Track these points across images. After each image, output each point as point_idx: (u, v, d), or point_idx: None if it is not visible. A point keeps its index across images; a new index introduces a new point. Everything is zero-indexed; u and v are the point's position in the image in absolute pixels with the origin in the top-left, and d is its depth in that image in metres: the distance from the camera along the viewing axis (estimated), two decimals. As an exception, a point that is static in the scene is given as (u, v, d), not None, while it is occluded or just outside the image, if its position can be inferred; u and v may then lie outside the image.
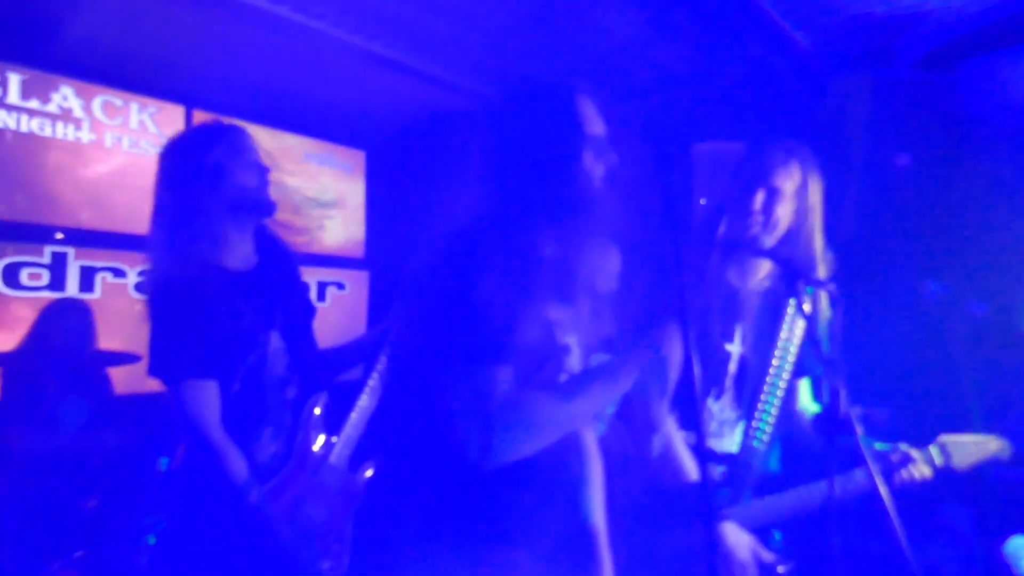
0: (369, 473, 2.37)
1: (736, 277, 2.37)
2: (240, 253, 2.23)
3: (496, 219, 1.78)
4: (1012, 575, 2.98)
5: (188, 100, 4.64)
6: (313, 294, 5.23)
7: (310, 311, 2.44)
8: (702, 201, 3.90)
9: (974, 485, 2.68)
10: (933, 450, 2.33)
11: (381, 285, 5.63)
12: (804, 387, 2.50)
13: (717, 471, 2.28)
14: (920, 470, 2.29)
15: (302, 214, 5.28)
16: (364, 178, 5.74)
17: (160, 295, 2.08)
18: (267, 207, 2.26)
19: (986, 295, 2.79)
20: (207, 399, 2.03)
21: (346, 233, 5.59)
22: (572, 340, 1.76)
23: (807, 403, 2.52)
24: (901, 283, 3.60)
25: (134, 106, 4.41)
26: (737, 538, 2.13)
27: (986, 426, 2.58)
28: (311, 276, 5.25)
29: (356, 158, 5.69)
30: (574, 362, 1.77)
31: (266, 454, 2.18)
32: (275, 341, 2.21)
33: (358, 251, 5.67)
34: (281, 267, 2.36)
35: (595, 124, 1.83)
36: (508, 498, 1.63)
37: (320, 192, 5.41)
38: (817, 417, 2.45)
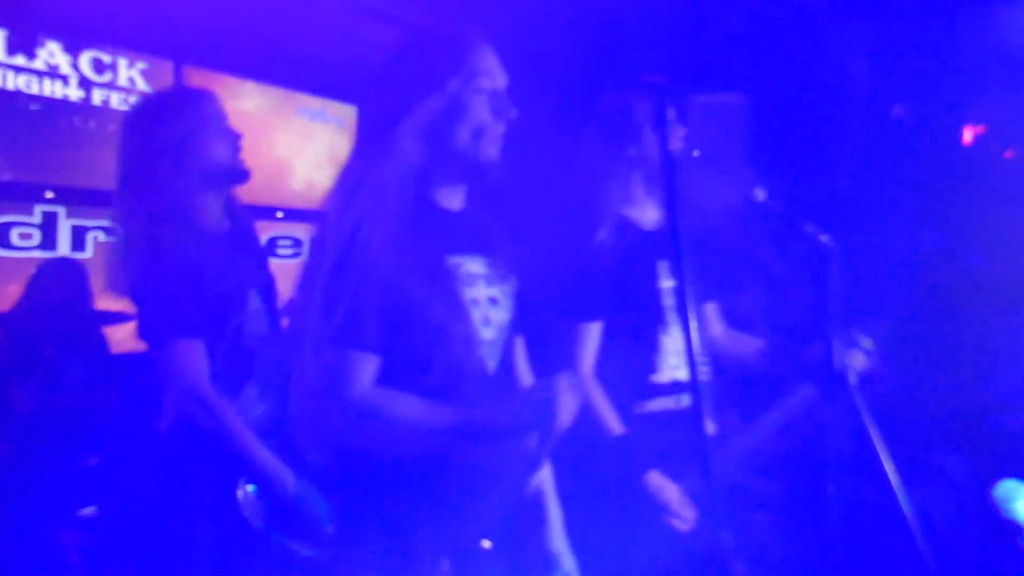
0: None
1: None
2: (214, 215, 2.24)
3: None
4: (1002, 518, 3.04)
5: (177, 56, 4.57)
6: (306, 251, 5.20)
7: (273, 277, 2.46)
8: (695, 153, 3.87)
9: (967, 432, 2.72)
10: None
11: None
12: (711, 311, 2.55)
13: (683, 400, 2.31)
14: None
15: (293, 170, 5.24)
16: (356, 134, 5.68)
17: (138, 258, 2.07)
18: (241, 174, 2.27)
19: (985, 246, 2.79)
20: (197, 358, 2.02)
21: (339, 189, 5.56)
22: (490, 327, 1.69)
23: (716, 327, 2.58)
24: (900, 233, 3.60)
25: (122, 62, 4.34)
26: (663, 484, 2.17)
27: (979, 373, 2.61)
28: (302, 232, 5.23)
29: (348, 113, 5.64)
30: (491, 352, 1.70)
31: (255, 413, 2.18)
32: (254, 301, 2.23)
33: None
34: (249, 229, 2.39)
35: (495, 77, 1.73)
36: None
37: (311, 148, 5.37)
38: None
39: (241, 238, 2.31)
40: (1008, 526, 2.96)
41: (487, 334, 1.68)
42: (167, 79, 4.51)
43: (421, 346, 1.58)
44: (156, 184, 2.12)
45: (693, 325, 1.42)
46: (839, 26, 3.75)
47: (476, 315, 1.67)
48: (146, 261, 2.05)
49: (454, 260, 1.68)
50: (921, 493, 3.17)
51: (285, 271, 2.11)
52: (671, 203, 1.29)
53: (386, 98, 1.69)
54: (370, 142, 1.69)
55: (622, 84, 2.11)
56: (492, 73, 1.71)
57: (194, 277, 2.04)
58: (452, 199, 1.75)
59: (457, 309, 1.62)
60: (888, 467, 2.78)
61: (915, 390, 3.14)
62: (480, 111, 1.66)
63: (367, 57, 4.85)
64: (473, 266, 1.71)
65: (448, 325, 1.59)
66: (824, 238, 2.52)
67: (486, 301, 1.70)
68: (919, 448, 3.14)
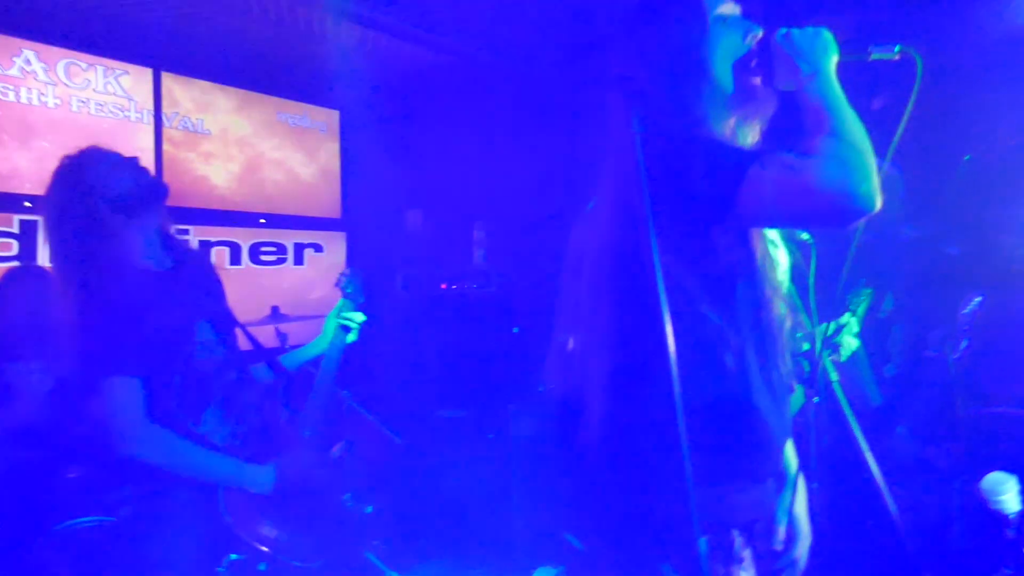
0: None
1: None
2: (149, 253, 2.26)
3: None
4: (988, 510, 3.03)
5: (156, 62, 4.55)
6: (290, 257, 5.19)
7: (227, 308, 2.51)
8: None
9: (952, 424, 2.72)
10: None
11: (359, 246, 5.60)
12: None
13: None
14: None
15: (276, 175, 5.21)
16: (339, 138, 5.67)
17: (69, 297, 2.11)
18: (153, 191, 2.29)
19: (963, 235, 2.81)
20: (131, 397, 2.04)
21: (322, 194, 5.54)
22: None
23: None
24: (878, 225, 3.61)
25: (100, 69, 4.32)
26: None
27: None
28: (289, 239, 5.21)
29: (330, 118, 5.62)
30: None
31: (221, 434, 2.23)
32: (205, 332, 2.27)
33: (335, 212, 5.62)
34: (197, 266, 2.43)
35: None
36: None
37: (294, 153, 5.34)
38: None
39: (187, 275, 2.34)
40: (995, 518, 2.95)
41: None
42: (146, 85, 4.48)
43: None
44: (77, 225, 2.15)
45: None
46: (817, 16, 3.75)
47: None
48: (77, 301, 2.08)
49: None
50: (905, 487, 3.19)
51: (268, 277, 2.13)
52: (641, 204, 1.28)
53: None
54: None
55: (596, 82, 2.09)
56: None
57: (128, 316, 2.07)
58: None
59: None
60: (872, 463, 2.78)
61: (896, 382, 3.14)
62: None
63: (349, 62, 4.89)
64: None
65: None
66: (804, 236, 2.54)
67: None
68: (904, 442, 3.14)
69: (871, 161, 1.39)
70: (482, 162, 5.14)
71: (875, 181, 1.37)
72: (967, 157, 3.44)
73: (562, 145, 4.63)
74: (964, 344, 3.06)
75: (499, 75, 4.91)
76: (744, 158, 1.41)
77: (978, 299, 3.08)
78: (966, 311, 3.09)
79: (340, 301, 2.81)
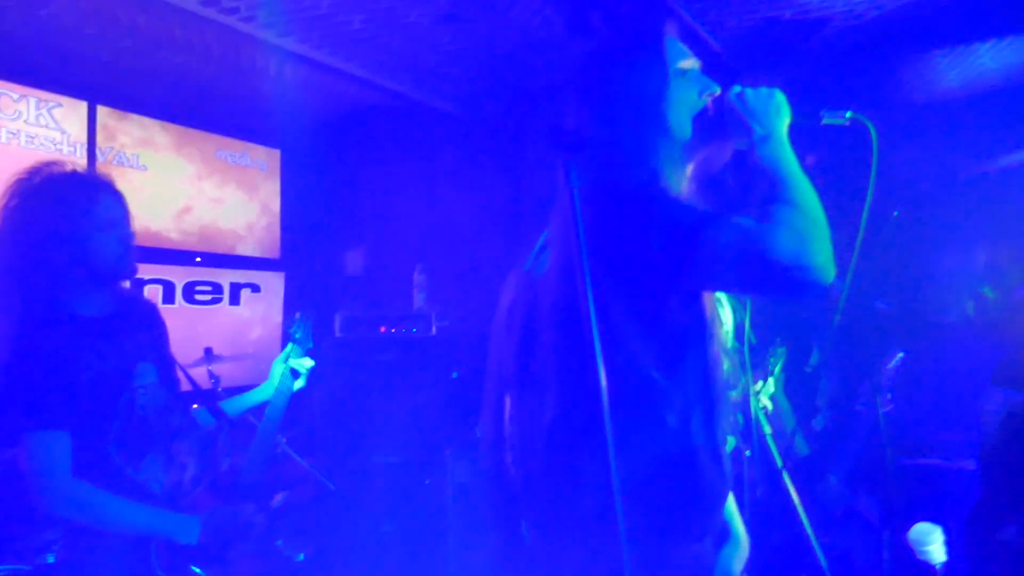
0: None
1: None
2: (95, 303, 2.19)
3: None
4: (917, 561, 3.08)
5: (91, 95, 4.46)
6: (226, 296, 5.09)
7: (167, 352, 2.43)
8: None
9: (880, 475, 2.77)
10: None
11: (297, 286, 5.53)
12: None
13: None
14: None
15: (214, 214, 5.13)
16: (279, 177, 5.62)
17: (5, 345, 2.01)
18: (128, 271, 2.23)
19: (888, 289, 2.89)
20: (55, 451, 1.95)
21: (261, 233, 5.47)
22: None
23: None
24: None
25: (32, 101, 4.22)
26: None
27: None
28: (225, 278, 5.11)
29: (271, 156, 5.57)
30: None
31: (162, 481, 2.18)
32: (147, 375, 2.20)
33: (273, 252, 5.54)
34: (139, 311, 2.35)
35: None
36: None
37: (233, 191, 5.27)
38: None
39: (127, 319, 2.25)
40: (922, 568, 3.00)
41: None
42: (81, 119, 4.39)
43: None
44: (39, 275, 2.06)
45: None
46: (751, 75, 3.88)
47: None
48: (10, 349, 1.99)
49: None
50: (835, 537, 3.23)
51: (203, 317, 2.08)
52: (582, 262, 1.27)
53: None
54: None
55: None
56: None
57: (55, 368, 1.99)
58: None
59: None
60: (802, 513, 2.81)
61: (825, 435, 3.20)
62: None
63: (290, 101, 4.86)
64: None
65: None
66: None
67: None
68: (834, 492, 3.19)
69: (826, 232, 1.39)
70: (424, 205, 5.15)
71: (830, 252, 1.37)
72: (896, 213, 3.55)
73: (506, 191, 4.66)
74: (889, 397, 3.13)
75: (444, 118, 4.94)
76: (699, 221, 1.39)
77: (900, 354, 3.17)
78: (890, 366, 3.17)
79: (289, 346, 2.74)
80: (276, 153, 5.59)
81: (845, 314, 2.89)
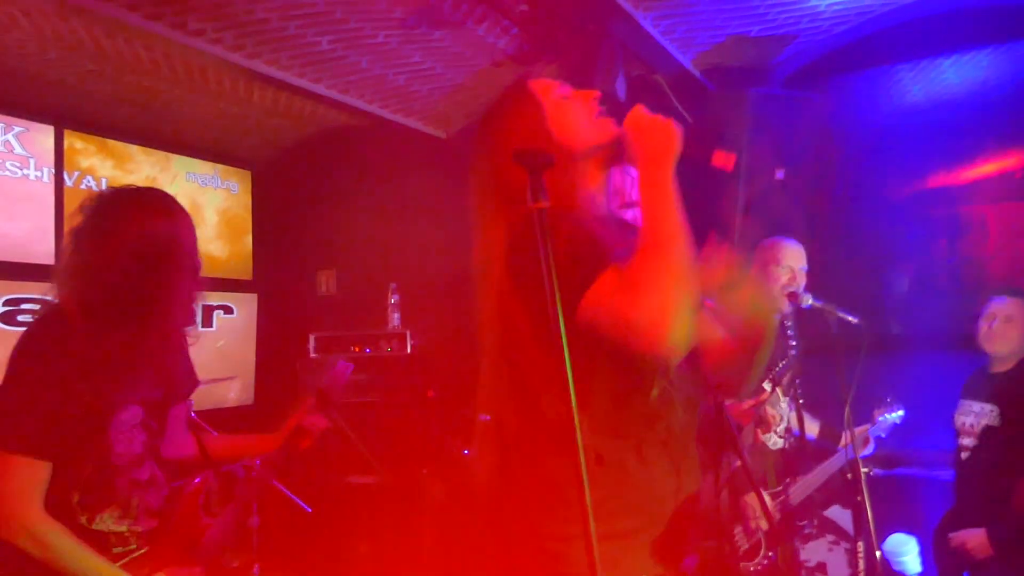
0: None
1: None
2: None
3: None
4: (892, 571, 3.10)
5: (58, 119, 4.42)
6: (199, 318, 5.03)
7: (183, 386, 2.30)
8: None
9: (853, 487, 2.78)
10: None
11: (270, 307, 5.48)
12: None
13: None
14: None
15: (185, 236, 5.09)
16: (251, 198, 5.59)
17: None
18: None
19: (854, 301, 2.92)
20: (38, 478, 1.87)
21: (233, 255, 5.42)
22: None
23: None
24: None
25: (-2, 125, 4.17)
26: None
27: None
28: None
29: (242, 177, 5.54)
30: None
31: (115, 531, 2.01)
32: (131, 417, 2.04)
33: (246, 273, 5.50)
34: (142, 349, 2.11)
35: None
36: None
37: (204, 213, 5.23)
38: None
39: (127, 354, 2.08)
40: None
41: None
42: (47, 143, 4.35)
43: None
44: (163, 288, 1.96)
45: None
46: (719, 91, 3.92)
47: None
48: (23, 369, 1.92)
49: None
50: (811, 547, 3.24)
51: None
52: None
53: None
54: None
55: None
56: None
57: (66, 397, 1.91)
58: None
59: None
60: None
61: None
62: None
63: (259, 122, 4.85)
64: None
65: None
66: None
67: None
68: (809, 502, 3.20)
69: (689, 301, 1.29)
70: (397, 223, 5.13)
71: (688, 329, 1.26)
72: None
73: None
74: (872, 446, 3.16)
75: (415, 136, 4.94)
76: (600, 261, 1.33)
77: (901, 412, 3.21)
78: (889, 416, 3.20)
79: (307, 399, 2.52)
80: (247, 174, 5.56)
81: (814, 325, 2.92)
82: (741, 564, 2.84)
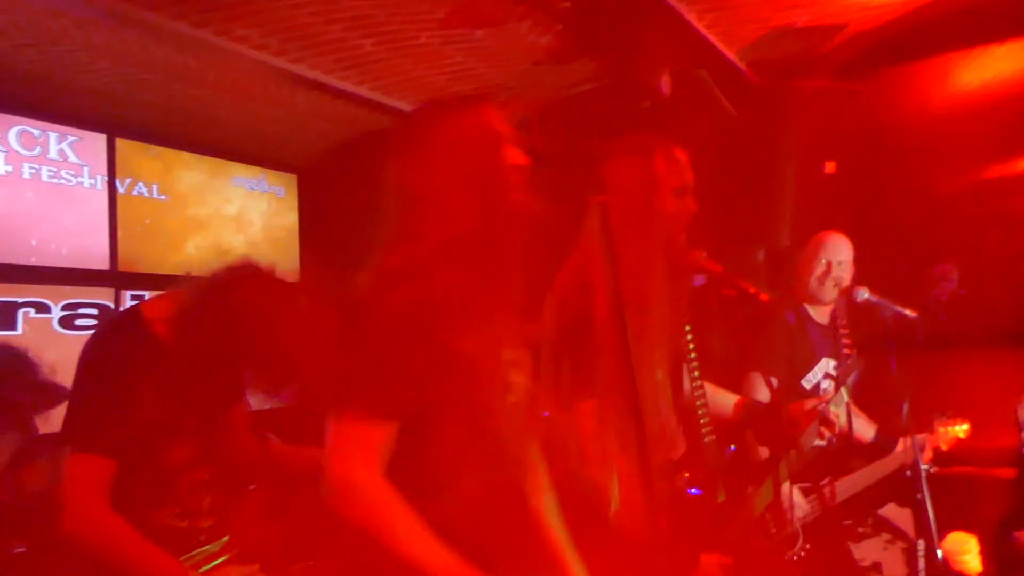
0: None
1: None
2: None
3: None
4: (952, 570, 3.03)
5: (110, 127, 4.50)
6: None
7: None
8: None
9: (912, 485, 2.72)
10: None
11: (318, 309, 5.52)
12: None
13: None
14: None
15: (234, 239, 5.16)
16: (296, 201, 5.64)
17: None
18: None
19: (908, 297, 2.86)
20: (98, 476, 1.91)
21: (280, 257, 5.48)
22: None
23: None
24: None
25: (52, 136, 4.26)
26: None
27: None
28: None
29: (288, 181, 5.60)
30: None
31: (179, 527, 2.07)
32: (195, 417, 2.09)
33: (293, 276, 5.54)
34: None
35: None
36: None
37: (251, 217, 5.30)
38: None
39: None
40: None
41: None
42: (100, 151, 4.44)
43: None
44: None
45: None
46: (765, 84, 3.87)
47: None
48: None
49: None
50: (865, 546, 3.18)
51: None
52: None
53: None
54: None
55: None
56: None
57: (139, 392, 1.95)
58: None
59: None
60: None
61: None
62: None
63: (304, 125, 4.89)
64: None
65: None
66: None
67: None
68: (867, 502, 3.14)
69: None
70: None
71: None
72: None
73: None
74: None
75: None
76: None
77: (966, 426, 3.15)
78: (952, 429, 3.13)
79: None
80: (292, 178, 5.62)
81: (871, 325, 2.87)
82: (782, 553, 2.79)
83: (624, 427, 1.81)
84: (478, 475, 1.54)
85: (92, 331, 2.16)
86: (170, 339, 2.02)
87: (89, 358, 2.00)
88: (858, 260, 3.11)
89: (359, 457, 1.49)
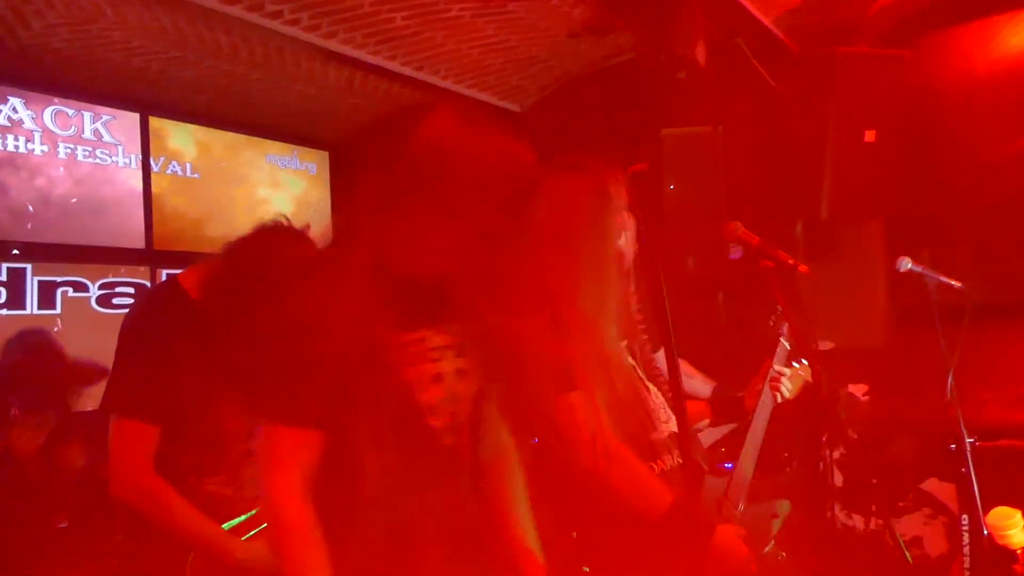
0: None
1: None
2: None
3: None
4: (996, 545, 2.99)
5: (143, 106, 4.53)
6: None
7: None
8: (671, 187, 3.88)
9: (956, 458, 2.68)
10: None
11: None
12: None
13: None
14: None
15: (266, 217, 5.17)
16: (328, 178, 5.65)
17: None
18: None
19: (953, 267, 2.80)
20: (142, 442, 1.94)
21: (313, 235, 5.49)
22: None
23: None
24: (872, 259, 3.61)
25: (87, 115, 4.29)
26: None
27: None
28: (279, 280, 5.16)
29: (320, 158, 5.60)
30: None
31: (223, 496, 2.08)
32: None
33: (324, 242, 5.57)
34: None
35: None
36: None
37: (283, 194, 5.32)
38: None
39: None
40: (1002, 553, 2.91)
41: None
42: (133, 130, 4.46)
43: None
44: None
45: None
46: (805, 51, 3.79)
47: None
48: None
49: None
50: (906, 520, 3.15)
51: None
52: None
53: None
54: None
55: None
56: None
57: (179, 358, 1.97)
58: None
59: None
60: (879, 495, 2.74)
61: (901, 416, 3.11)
62: None
63: (336, 102, 4.88)
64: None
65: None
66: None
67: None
68: (910, 475, 3.11)
69: None
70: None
71: None
72: None
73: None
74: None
75: (490, 113, 4.91)
76: None
77: None
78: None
79: None
80: (324, 155, 5.63)
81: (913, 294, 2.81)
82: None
83: (612, 410, 1.84)
84: (410, 475, 1.46)
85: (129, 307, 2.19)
86: (206, 302, 2.04)
87: (129, 327, 2.05)
88: (900, 231, 3.06)
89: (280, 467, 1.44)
